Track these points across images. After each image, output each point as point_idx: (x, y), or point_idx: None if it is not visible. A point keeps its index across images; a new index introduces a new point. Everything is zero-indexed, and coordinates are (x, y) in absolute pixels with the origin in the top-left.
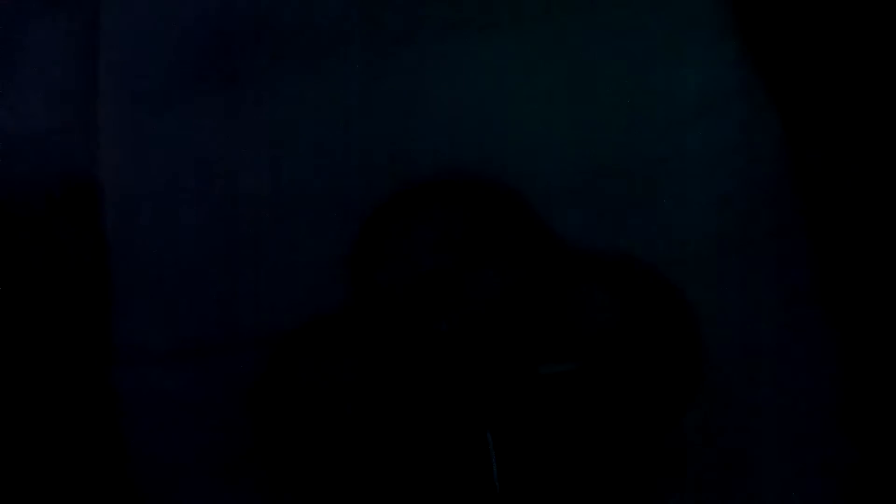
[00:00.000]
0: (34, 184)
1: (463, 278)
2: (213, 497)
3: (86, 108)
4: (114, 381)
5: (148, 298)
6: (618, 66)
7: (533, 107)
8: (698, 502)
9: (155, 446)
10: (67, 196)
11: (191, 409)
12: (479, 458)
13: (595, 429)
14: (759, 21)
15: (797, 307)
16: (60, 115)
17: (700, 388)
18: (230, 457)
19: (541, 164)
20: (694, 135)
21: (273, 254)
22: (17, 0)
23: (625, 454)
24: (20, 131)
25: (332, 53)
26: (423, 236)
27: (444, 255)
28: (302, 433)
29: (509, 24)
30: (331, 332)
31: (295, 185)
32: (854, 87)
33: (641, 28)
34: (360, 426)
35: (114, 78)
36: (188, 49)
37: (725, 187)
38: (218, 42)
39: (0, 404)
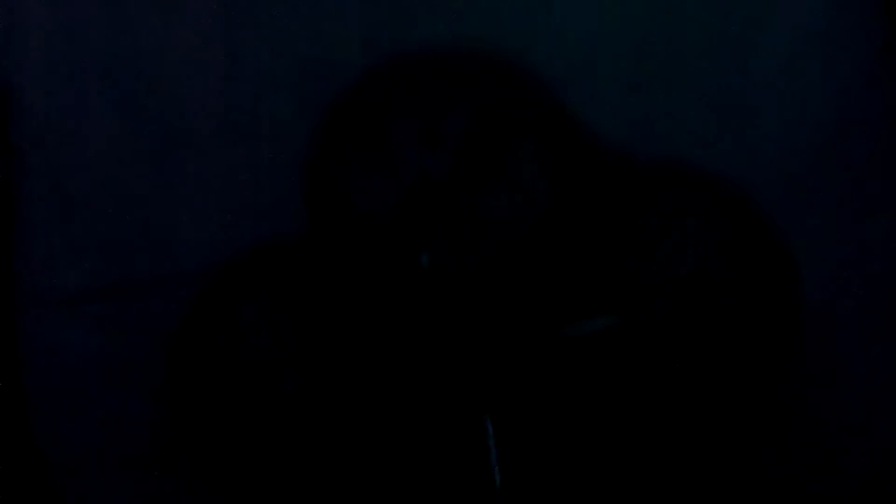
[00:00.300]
0: None
1: (458, 192)
2: (130, 492)
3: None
4: (17, 328)
5: (58, 225)
6: None
7: None
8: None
9: (61, 423)
10: None
11: (103, 368)
12: (472, 448)
13: (651, 418)
14: None
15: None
16: None
17: (794, 345)
18: (150, 436)
19: (582, 47)
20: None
21: (209, 164)
22: None
23: (698, 453)
24: None
25: None
26: (407, 131)
27: (434, 158)
28: (236, 405)
29: None
30: (279, 267)
31: (242, 70)
32: None
33: None
34: (311, 397)
35: None
36: None
37: (815, 100)
38: None
39: None
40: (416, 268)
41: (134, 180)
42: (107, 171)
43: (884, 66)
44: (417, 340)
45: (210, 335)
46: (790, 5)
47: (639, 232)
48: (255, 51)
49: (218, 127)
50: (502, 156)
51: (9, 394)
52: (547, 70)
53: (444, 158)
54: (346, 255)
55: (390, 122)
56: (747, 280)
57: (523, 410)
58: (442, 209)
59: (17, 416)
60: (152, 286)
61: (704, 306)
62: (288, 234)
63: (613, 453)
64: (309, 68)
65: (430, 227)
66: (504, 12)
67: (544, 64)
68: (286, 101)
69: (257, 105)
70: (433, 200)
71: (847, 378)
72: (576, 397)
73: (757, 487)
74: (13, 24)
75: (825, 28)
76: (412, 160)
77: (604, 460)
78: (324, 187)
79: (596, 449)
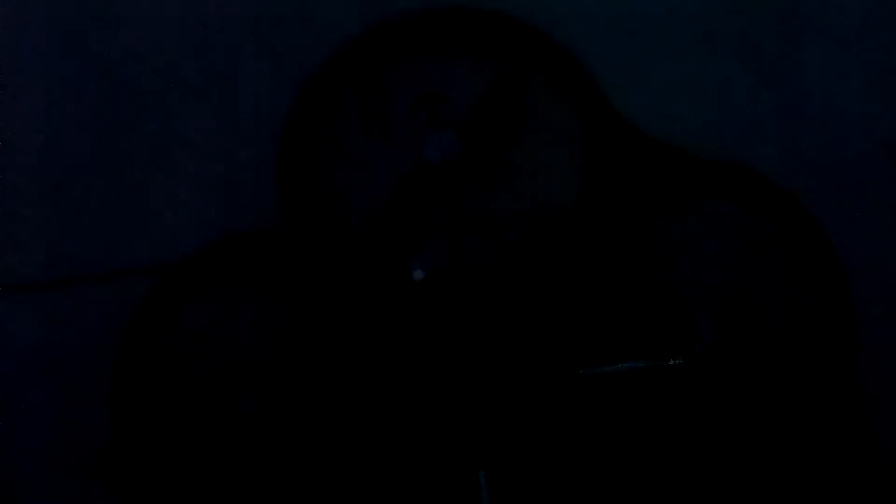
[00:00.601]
0: None
1: (463, 182)
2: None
3: None
4: None
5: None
6: None
7: None
8: None
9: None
10: None
11: (51, 362)
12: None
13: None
14: None
15: None
16: None
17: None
18: (91, 445)
19: (618, 17)
20: None
21: (172, 142)
22: None
23: None
24: None
25: None
26: (403, 104)
27: (435, 138)
28: (181, 423)
29: None
30: (243, 263)
31: (212, 27)
32: None
33: None
34: (268, 425)
35: None
36: None
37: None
38: None
39: None
40: (406, 277)
41: (89, 163)
42: (59, 153)
43: None
44: (402, 366)
45: (156, 338)
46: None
47: (676, 239)
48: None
49: (185, 99)
50: (519, 138)
51: None
52: (576, 39)
53: (447, 139)
54: (322, 253)
55: (381, 92)
56: (798, 303)
57: (527, 461)
58: (442, 203)
59: None
60: (109, 279)
61: (748, 335)
62: (258, 226)
63: None
64: (290, 29)
65: (427, 226)
66: None
67: (574, 31)
68: (262, 69)
69: (229, 71)
70: (431, 191)
71: None
72: (591, 446)
73: None
74: None
75: (878, 33)
76: (407, 140)
77: None
78: (300, 171)
79: None
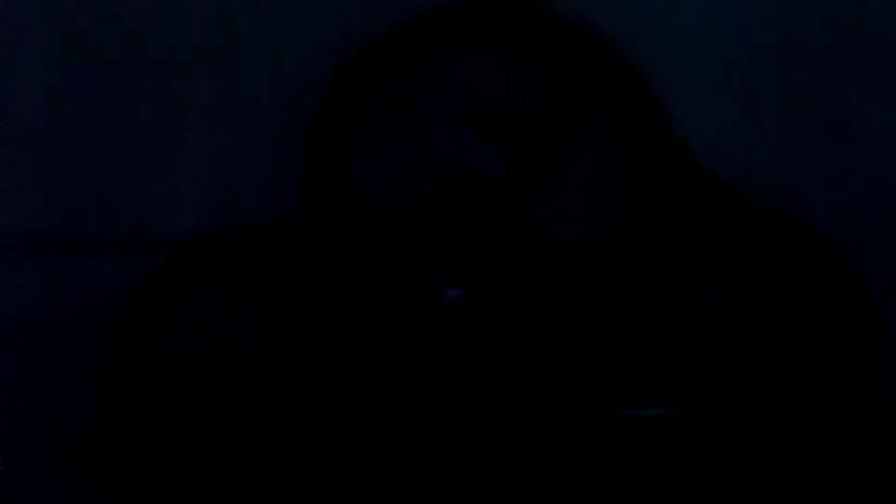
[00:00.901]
0: None
1: (506, 195)
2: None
3: None
4: None
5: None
6: None
7: None
8: None
9: None
10: None
11: (38, 327)
12: None
13: None
14: None
15: None
16: None
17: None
18: (77, 424)
19: (689, 36)
20: None
21: (192, 114)
22: None
23: None
24: None
25: None
26: (445, 105)
27: (479, 143)
28: (173, 426)
29: None
30: (255, 252)
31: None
32: None
33: None
34: (270, 435)
35: None
36: None
37: None
38: None
39: None
40: (435, 295)
41: (98, 124)
42: (66, 112)
43: None
44: (420, 385)
45: (153, 324)
46: None
47: (716, 286)
48: None
49: (207, 67)
50: (570, 152)
51: None
52: (641, 53)
53: (496, 153)
54: (343, 253)
55: (422, 89)
56: (842, 366)
57: (538, 496)
58: (481, 217)
59: None
60: (108, 246)
61: (789, 391)
62: (275, 217)
63: None
64: (326, 12)
65: (462, 241)
66: None
67: (640, 45)
68: (292, 51)
69: (257, 48)
70: (470, 203)
71: None
72: (607, 488)
73: None
74: None
75: None
76: (447, 144)
77: None
78: (326, 167)
79: None
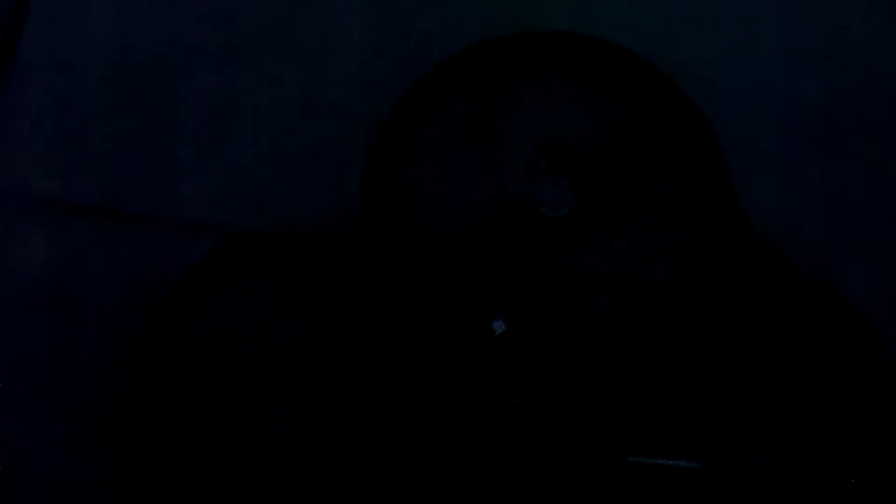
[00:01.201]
0: None
1: (560, 240)
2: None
3: None
4: None
5: (47, 124)
6: None
7: None
8: None
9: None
10: None
11: (60, 293)
12: None
13: None
14: None
15: None
16: None
17: None
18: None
19: (763, 100)
20: None
21: (259, 114)
22: None
23: None
24: None
25: None
26: (519, 132)
27: (549, 174)
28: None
29: None
30: (310, 258)
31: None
32: None
33: None
34: (304, 447)
35: None
36: None
37: None
38: None
39: None
40: (480, 326)
41: (159, 103)
42: (125, 81)
43: None
44: (453, 412)
45: (192, 312)
46: None
47: (753, 344)
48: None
49: (278, 69)
50: (632, 196)
51: None
52: (712, 105)
53: (562, 190)
54: (392, 276)
55: (498, 115)
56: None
57: None
58: (536, 251)
59: None
60: (148, 223)
61: (814, 458)
62: (329, 225)
63: None
64: (405, 30)
65: (514, 273)
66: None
67: (712, 95)
68: (365, 66)
69: (337, 40)
70: (528, 235)
71: None
72: None
73: None
74: None
75: None
76: (516, 173)
77: None
78: (388, 182)
79: None
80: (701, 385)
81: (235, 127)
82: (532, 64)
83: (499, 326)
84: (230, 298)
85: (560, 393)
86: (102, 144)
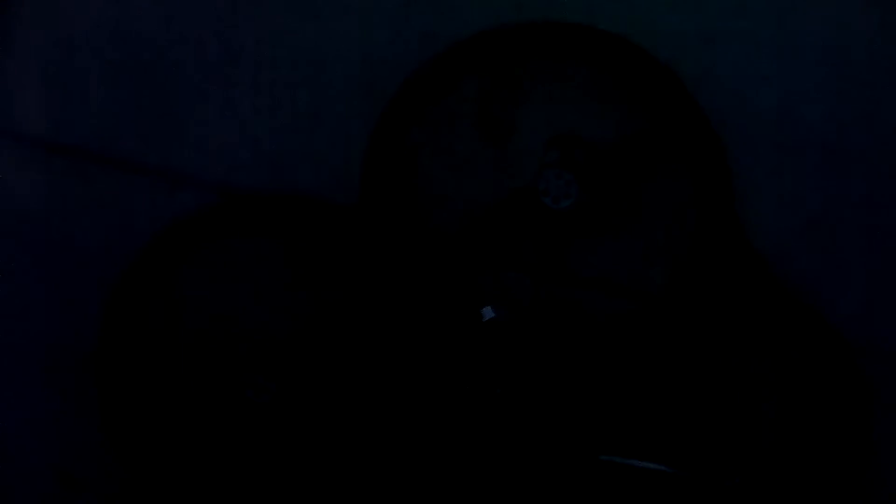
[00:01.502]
0: None
1: (574, 226)
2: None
3: None
4: None
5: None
6: None
7: None
8: None
9: None
10: None
11: (49, 230)
12: None
13: None
14: None
15: None
16: None
17: None
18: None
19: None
20: None
21: (263, 71)
22: None
23: None
24: None
25: None
26: (530, 122)
27: (556, 166)
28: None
29: None
30: (305, 225)
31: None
32: None
33: None
34: (282, 417)
35: None
36: None
37: None
38: None
39: None
40: (470, 310)
41: (168, 57)
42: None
43: None
44: (435, 390)
45: (174, 267)
46: None
47: (738, 363)
48: None
49: (283, 24)
50: (634, 197)
51: None
52: (723, 115)
53: (567, 183)
54: (390, 251)
55: (508, 104)
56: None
57: None
58: (535, 241)
59: None
60: (146, 173)
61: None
62: (328, 195)
63: None
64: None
65: (511, 262)
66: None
67: (722, 104)
68: (372, 26)
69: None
70: (528, 225)
71: None
72: None
73: None
74: None
75: None
76: (523, 163)
77: None
78: (393, 160)
79: None
80: (684, 393)
81: (236, 78)
82: (549, 55)
83: (487, 312)
84: (212, 259)
85: (542, 386)
86: (97, 90)
